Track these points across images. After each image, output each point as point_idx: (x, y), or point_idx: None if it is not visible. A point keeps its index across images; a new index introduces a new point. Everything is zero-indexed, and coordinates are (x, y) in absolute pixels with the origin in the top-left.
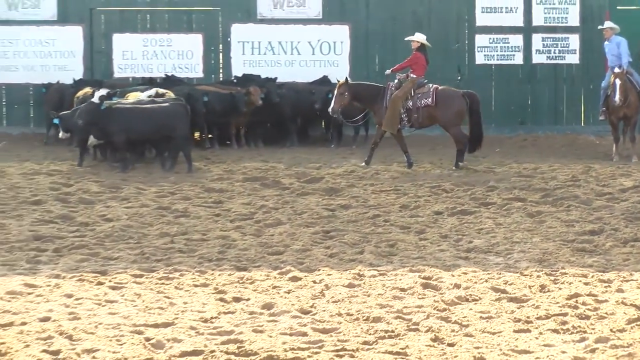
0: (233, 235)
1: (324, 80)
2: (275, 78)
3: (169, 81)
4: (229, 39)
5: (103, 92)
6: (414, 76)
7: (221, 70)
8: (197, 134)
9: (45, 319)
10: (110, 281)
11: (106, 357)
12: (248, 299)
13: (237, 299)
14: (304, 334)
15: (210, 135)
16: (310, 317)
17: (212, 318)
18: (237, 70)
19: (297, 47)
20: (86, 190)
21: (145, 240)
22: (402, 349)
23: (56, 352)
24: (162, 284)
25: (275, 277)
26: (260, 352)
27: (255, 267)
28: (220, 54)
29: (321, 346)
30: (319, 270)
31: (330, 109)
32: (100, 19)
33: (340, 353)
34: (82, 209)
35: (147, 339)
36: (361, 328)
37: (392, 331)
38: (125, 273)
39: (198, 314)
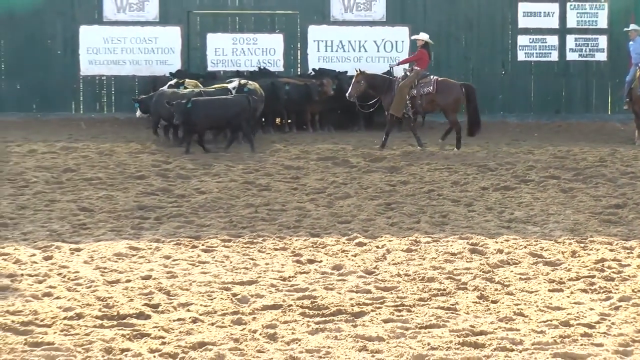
0: (308, 206)
1: (388, 73)
2: (346, 72)
3: (260, 73)
4: (306, 38)
5: (235, 83)
6: (418, 69)
7: (299, 65)
8: (278, 120)
9: (146, 277)
10: (202, 245)
11: (199, 310)
12: (320, 261)
13: (311, 261)
14: (368, 292)
15: (289, 121)
16: (373, 277)
17: (289, 277)
18: (313, 66)
19: (364, 46)
20: (183, 167)
21: (233, 210)
22: (452, 305)
23: (156, 306)
24: (247, 247)
25: (343, 243)
26: (331, 307)
27: (326, 233)
28: (299, 51)
29: (383, 302)
30: (382, 237)
31: (347, 94)
32: (196, 20)
33: (399, 308)
34: (179, 183)
35: (234, 295)
36: (417, 287)
37: (444, 290)
38: (215, 238)
39: (277, 274)
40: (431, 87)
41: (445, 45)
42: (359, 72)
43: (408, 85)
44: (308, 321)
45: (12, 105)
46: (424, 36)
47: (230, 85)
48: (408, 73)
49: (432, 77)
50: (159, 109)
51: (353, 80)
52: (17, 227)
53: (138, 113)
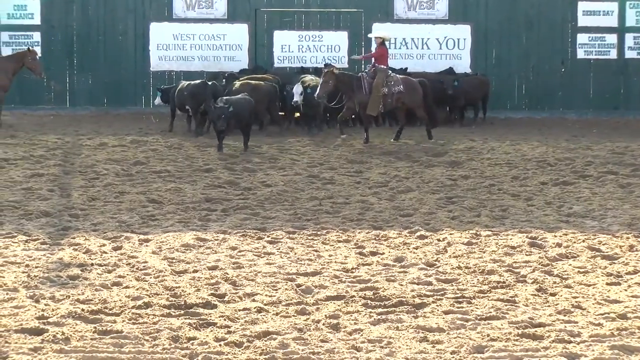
0: (371, 199)
1: (450, 71)
2: (406, 68)
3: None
4: (370, 36)
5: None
6: (382, 67)
7: (363, 62)
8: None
9: (213, 268)
10: (268, 237)
11: (264, 300)
12: (383, 253)
13: (373, 253)
14: (429, 283)
15: (353, 116)
16: (434, 269)
17: (352, 268)
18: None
19: (426, 43)
20: (249, 160)
21: (297, 203)
22: (512, 297)
23: (222, 296)
24: (311, 239)
25: (405, 235)
26: (392, 298)
27: (389, 226)
28: (363, 48)
29: (443, 294)
30: (443, 230)
31: (316, 95)
32: (263, 17)
33: (460, 300)
34: (245, 176)
35: (298, 285)
36: (477, 279)
37: (504, 282)
38: (280, 230)
39: (341, 265)
40: (401, 87)
41: (506, 44)
42: (326, 71)
43: (381, 84)
44: (370, 312)
45: (84, 99)
46: (381, 33)
47: (296, 89)
48: (375, 70)
49: (395, 75)
50: (181, 99)
51: (321, 80)
52: (87, 218)
53: (157, 100)
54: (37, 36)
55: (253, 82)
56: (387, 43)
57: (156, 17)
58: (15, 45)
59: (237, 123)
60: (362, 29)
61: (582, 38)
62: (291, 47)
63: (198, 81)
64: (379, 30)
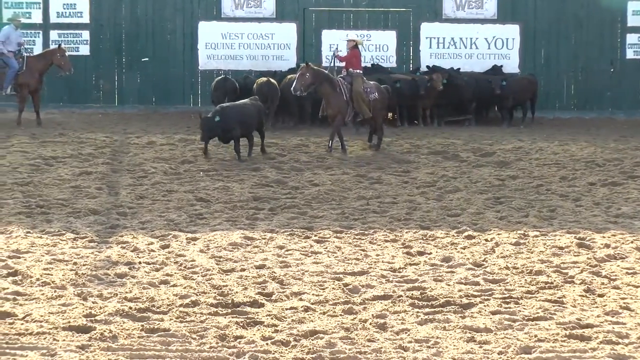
0: (418, 199)
1: (496, 70)
2: (459, 69)
3: (373, 69)
4: (418, 35)
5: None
6: (358, 71)
7: (411, 62)
8: (390, 114)
9: (260, 266)
10: (315, 236)
11: (311, 299)
12: (430, 253)
13: (420, 253)
14: (477, 284)
15: (395, 115)
16: (482, 269)
17: (399, 268)
18: (425, 62)
19: (475, 43)
20: (297, 160)
21: (345, 202)
22: (560, 298)
23: (269, 294)
24: (359, 239)
25: (453, 235)
26: (440, 298)
27: (436, 226)
28: (411, 48)
29: (491, 294)
30: (490, 230)
31: (292, 88)
32: (311, 17)
33: (507, 300)
34: (293, 175)
35: (345, 285)
36: (525, 279)
37: (551, 283)
38: (328, 229)
39: (388, 265)
40: (376, 94)
41: (555, 44)
42: (304, 65)
43: (360, 88)
44: (417, 312)
45: (133, 98)
46: (354, 37)
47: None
48: (350, 75)
49: (368, 81)
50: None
51: (298, 73)
52: (135, 216)
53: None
54: (85, 35)
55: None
56: (360, 47)
57: (205, 16)
58: (64, 43)
59: (228, 131)
60: (410, 28)
61: (631, 38)
62: (339, 46)
63: (221, 76)
64: (350, 33)
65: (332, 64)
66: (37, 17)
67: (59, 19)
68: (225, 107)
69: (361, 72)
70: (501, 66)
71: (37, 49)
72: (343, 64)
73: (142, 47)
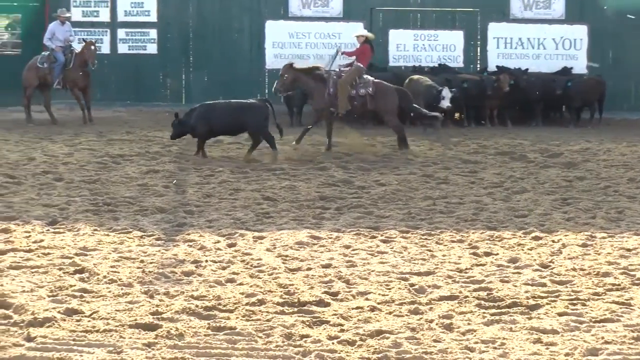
0: (485, 200)
1: (565, 71)
2: (526, 69)
3: (440, 69)
4: (486, 35)
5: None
6: (361, 65)
7: (478, 62)
8: (457, 114)
9: (326, 266)
10: (381, 235)
11: (377, 299)
12: (497, 254)
13: (487, 254)
14: (543, 285)
15: (461, 115)
16: (549, 270)
17: (466, 269)
18: (492, 62)
19: (542, 43)
20: (364, 159)
21: (411, 202)
22: (627, 300)
23: (335, 294)
24: (425, 239)
25: (520, 236)
26: (506, 299)
27: (503, 227)
28: (478, 48)
29: (558, 295)
30: (557, 231)
31: (273, 89)
32: (378, 16)
33: (574, 302)
34: (359, 174)
35: (412, 285)
36: (592, 281)
37: (619, 284)
38: (394, 229)
39: (454, 265)
40: (370, 90)
41: (622, 44)
42: (286, 64)
43: (349, 82)
44: (483, 312)
45: (200, 97)
46: (364, 32)
47: (445, 93)
48: (343, 69)
49: (368, 77)
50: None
51: (280, 74)
52: (202, 214)
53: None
54: (153, 33)
55: None
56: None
57: (272, 15)
58: (131, 42)
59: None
60: (477, 28)
61: None
62: (406, 46)
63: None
64: (361, 29)
65: (332, 63)
66: (104, 15)
67: (127, 18)
68: (202, 105)
69: (363, 67)
70: (571, 68)
71: (105, 47)
72: (352, 58)
73: (209, 46)
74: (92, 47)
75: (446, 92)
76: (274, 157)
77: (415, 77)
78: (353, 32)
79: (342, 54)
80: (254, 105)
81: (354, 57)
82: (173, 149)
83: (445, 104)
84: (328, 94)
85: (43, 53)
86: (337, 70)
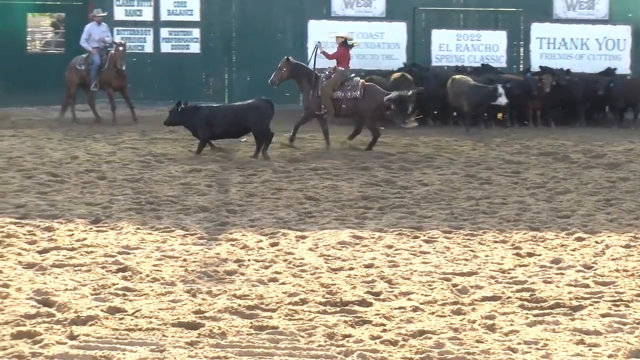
0: (528, 200)
1: (609, 71)
2: (568, 69)
3: (483, 69)
4: (529, 36)
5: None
6: (341, 69)
7: (521, 62)
8: (500, 115)
9: (369, 266)
10: (424, 236)
11: (419, 299)
12: (539, 255)
13: (530, 254)
14: (586, 286)
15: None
16: (592, 271)
17: (508, 269)
18: (535, 62)
19: (585, 44)
20: (406, 159)
21: (454, 203)
22: None
23: (378, 293)
24: (468, 239)
25: (563, 237)
26: (549, 300)
27: (546, 227)
28: (521, 48)
29: (601, 296)
30: (601, 232)
31: (270, 81)
32: (421, 16)
33: (617, 303)
34: (402, 174)
35: (454, 285)
36: (636, 282)
37: None
38: (437, 229)
39: (497, 266)
40: (358, 93)
41: None
42: (284, 59)
43: (331, 86)
44: (526, 313)
45: (242, 96)
46: (343, 33)
47: (501, 90)
48: (330, 72)
49: (357, 79)
50: None
51: (278, 66)
52: (244, 214)
53: None
54: (196, 32)
55: None
56: (349, 43)
57: (314, 15)
58: (174, 41)
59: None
60: (520, 28)
61: None
62: (449, 46)
63: None
64: (340, 30)
65: (314, 57)
66: (148, 14)
67: (170, 17)
68: (207, 107)
69: (345, 70)
70: (615, 69)
71: (148, 47)
72: (332, 61)
73: (252, 45)
74: (121, 48)
75: (500, 89)
76: (266, 157)
77: (457, 76)
78: (331, 32)
79: (321, 52)
80: (254, 105)
81: (333, 61)
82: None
83: (503, 100)
84: (316, 96)
85: (82, 55)
86: (327, 73)
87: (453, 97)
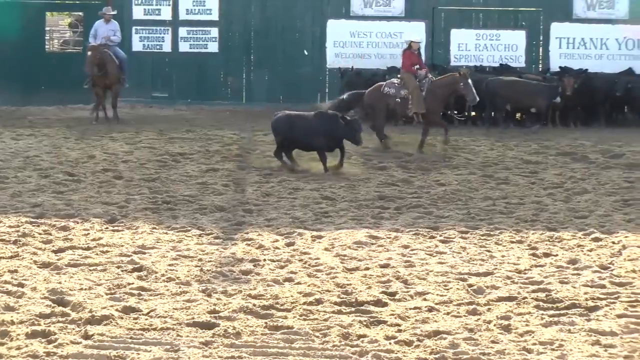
0: (545, 200)
1: (629, 71)
2: (586, 69)
3: (501, 69)
4: (548, 35)
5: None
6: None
7: (540, 62)
8: (519, 114)
9: (384, 266)
10: (440, 236)
11: (435, 299)
12: (556, 255)
13: (546, 255)
14: (603, 286)
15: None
16: (608, 272)
17: (525, 270)
18: (554, 62)
19: (605, 43)
20: (423, 159)
21: (471, 203)
22: None
23: (393, 294)
24: (484, 239)
25: (580, 237)
26: (565, 300)
27: (563, 228)
28: (540, 48)
29: (617, 297)
30: (618, 233)
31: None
32: (441, 16)
33: (634, 304)
34: (419, 174)
35: (470, 285)
36: None
37: None
38: (453, 229)
39: (513, 266)
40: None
41: None
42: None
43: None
44: (542, 314)
45: (261, 95)
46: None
47: None
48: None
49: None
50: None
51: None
52: (261, 213)
53: None
54: (214, 32)
55: None
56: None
57: (334, 15)
58: (193, 40)
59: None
60: (540, 28)
61: None
62: (468, 45)
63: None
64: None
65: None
66: (166, 13)
67: (188, 16)
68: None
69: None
70: (630, 68)
71: (166, 46)
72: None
73: (271, 44)
74: (89, 53)
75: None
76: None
77: (511, 78)
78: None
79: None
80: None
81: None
82: (233, 148)
83: (559, 98)
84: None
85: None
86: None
87: (521, 98)
